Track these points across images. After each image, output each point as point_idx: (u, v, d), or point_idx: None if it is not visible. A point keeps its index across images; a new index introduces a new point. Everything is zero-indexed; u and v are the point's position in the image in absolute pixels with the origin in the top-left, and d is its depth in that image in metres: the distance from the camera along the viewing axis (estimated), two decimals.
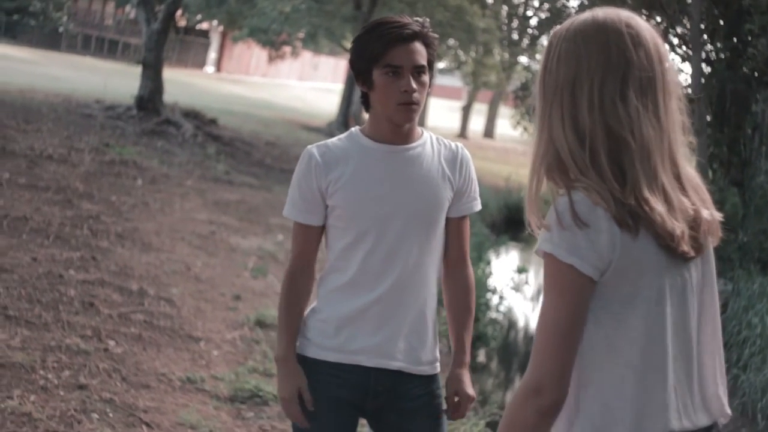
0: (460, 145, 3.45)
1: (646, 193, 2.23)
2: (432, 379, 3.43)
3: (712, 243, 2.42)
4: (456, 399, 3.43)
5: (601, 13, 2.35)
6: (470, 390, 3.44)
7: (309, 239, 3.39)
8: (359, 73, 3.30)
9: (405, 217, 3.28)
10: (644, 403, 2.27)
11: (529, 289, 16.89)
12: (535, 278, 18.00)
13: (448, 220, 3.41)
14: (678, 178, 2.34)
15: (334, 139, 3.41)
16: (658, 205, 2.24)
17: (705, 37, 16.52)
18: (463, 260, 3.48)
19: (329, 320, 3.33)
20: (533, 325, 14.44)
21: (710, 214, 2.38)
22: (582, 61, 2.30)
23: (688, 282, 2.35)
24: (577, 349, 2.25)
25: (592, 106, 2.27)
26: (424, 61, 3.25)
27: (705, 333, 2.42)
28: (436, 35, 3.36)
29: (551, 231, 2.24)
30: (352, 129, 3.43)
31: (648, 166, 2.26)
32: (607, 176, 2.23)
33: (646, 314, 2.27)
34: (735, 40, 16.29)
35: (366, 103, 3.37)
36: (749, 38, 15.71)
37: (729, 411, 2.46)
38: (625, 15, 2.34)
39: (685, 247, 2.29)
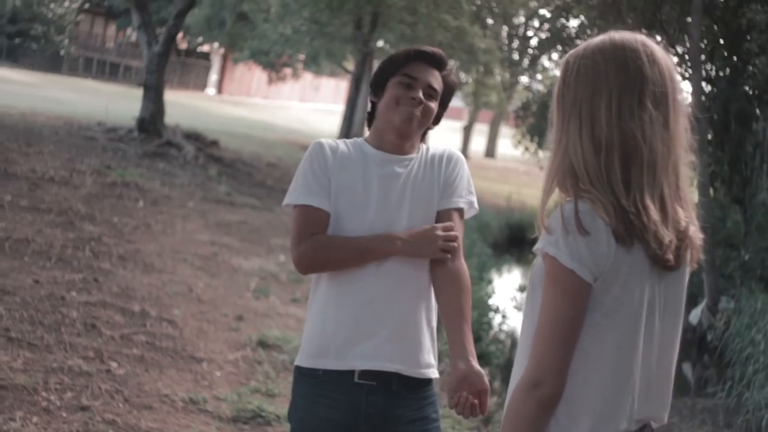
0: (447, 148, 3.52)
1: (647, 201, 2.37)
2: (427, 401, 3.37)
3: (690, 262, 2.55)
4: (466, 396, 3.14)
5: (617, 35, 2.51)
6: (479, 382, 3.16)
7: (321, 225, 3.31)
8: (376, 84, 3.42)
9: (396, 221, 3.31)
10: (603, 408, 2.42)
11: None
12: None
13: (437, 214, 3.40)
14: (677, 189, 2.47)
15: (340, 140, 3.46)
16: (654, 214, 2.37)
17: (704, 56, 16.55)
18: (451, 256, 3.34)
19: (324, 330, 3.31)
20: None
21: (695, 231, 2.52)
22: (600, 75, 2.44)
23: (658, 300, 2.48)
24: (575, 346, 2.39)
25: (610, 114, 2.40)
26: (437, 87, 3.38)
27: (664, 351, 2.54)
28: (457, 81, 3.53)
29: (555, 235, 2.38)
30: (357, 138, 3.48)
31: (653, 174, 2.39)
32: (617, 181, 2.36)
33: (624, 328, 2.42)
34: (735, 58, 16.32)
35: (371, 117, 3.45)
36: (749, 57, 15.74)
37: (666, 420, 2.59)
38: (640, 37, 2.50)
39: (670, 255, 2.42)
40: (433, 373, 3.39)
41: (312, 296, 3.41)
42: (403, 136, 3.37)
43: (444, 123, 3.55)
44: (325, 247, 3.27)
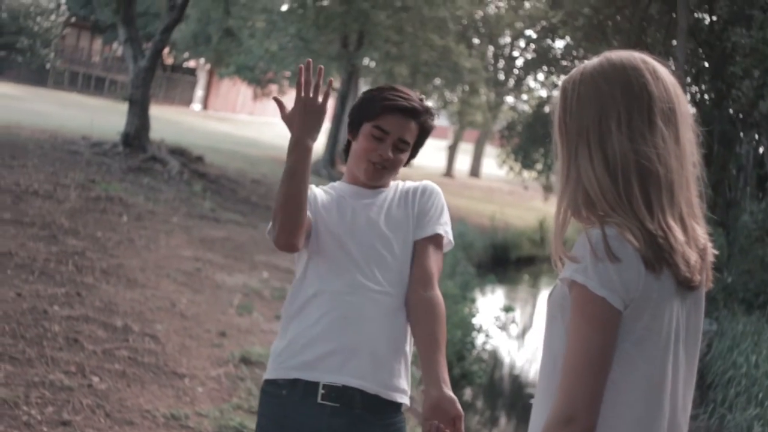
0: (423, 182, 3.54)
1: (671, 221, 2.30)
2: (392, 427, 3.33)
3: (707, 281, 2.46)
4: (437, 424, 3.12)
5: (614, 55, 2.42)
6: (452, 409, 3.13)
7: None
8: (352, 121, 3.45)
9: (367, 247, 3.34)
10: None
11: (515, 328, 16.87)
12: (521, 316, 18.01)
13: (413, 243, 3.42)
14: (691, 205, 2.40)
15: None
16: (680, 235, 2.30)
17: (689, 79, 16.63)
18: (425, 282, 3.35)
19: (295, 344, 3.31)
20: (519, 363, 14.44)
21: (711, 248, 2.45)
22: (606, 98, 2.35)
23: (682, 326, 2.39)
24: (607, 378, 2.27)
25: (621, 138, 2.31)
26: (410, 139, 3.41)
27: (687, 380, 2.45)
28: (434, 125, 3.50)
29: (584, 262, 2.28)
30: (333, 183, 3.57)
31: (670, 194, 2.32)
32: (639, 206, 2.28)
33: (654, 358, 2.32)
34: (719, 82, 16.40)
35: (347, 152, 3.51)
36: (733, 80, 15.83)
37: None
38: (638, 54, 2.42)
39: (697, 276, 2.35)
40: (401, 398, 3.34)
41: (286, 310, 3.42)
42: (368, 187, 3.47)
43: (429, 142, 3.54)
44: (275, 202, 3.22)
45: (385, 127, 3.36)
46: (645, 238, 2.26)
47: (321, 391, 3.24)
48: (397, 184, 3.52)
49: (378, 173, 3.41)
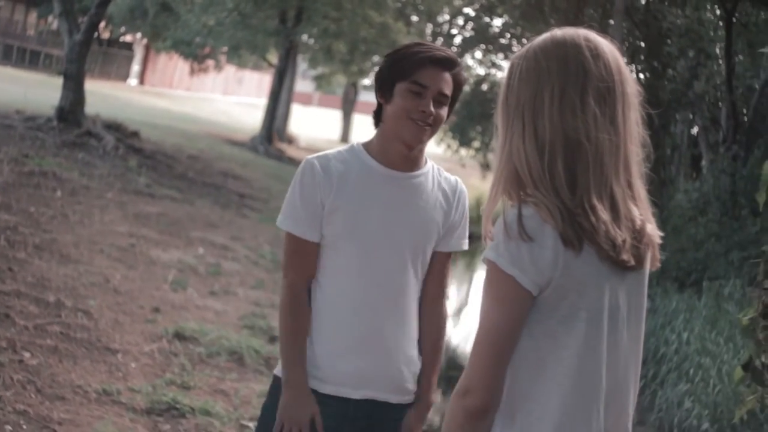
0: (458, 179, 3.47)
1: (594, 200, 2.29)
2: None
3: (652, 261, 2.49)
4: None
5: (559, 32, 2.43)
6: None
7: (311, 256, 3.33)
8: (383, 83, 3.28)
9: (396, 245, 3.27)
10: (564, 421, 2.32)
11: (451, 305, 16.90)
12: (457, 294, 18.07)
13: (434, 254, 3.39)
14: (630, 186, 2.39)
15: (334, 152, 3.36)
16: (603, 214, 2.29)
17: (626, 59, 16.75)
18: (441, 297, 3.44)
19: (313, 351, 3.32)
20: (455, 341, 14.50)
21: (653, 228, 2.45)
22: (542, 74, 2.35)
23: (622, 305, 2.41)
24: (510, 357, 2.30)
25: (552, 114, 2.32)
26: (448, 92, 3.24)
27: (630, 360, 2.47)
28: (466, 77, 3.36)
29: (497, 240, 2.29)
30: (354, 143, 3.39)
31: (599, 173, 2.31)
32: (561, 183, 2.28)
33: (582, 335, 2.33)
34: (655, 62, 16.55)
35: (377, 117, 3.35)
36: (669, 60, 15.97)
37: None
38: (583, 31, 2.42)
39: (625, 255, 2.34)
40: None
41: (316, 317, 3.36)
42: (412, 148, 3.28)
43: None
44: (287, 317, 3.32)
45: (423, 81, 3.19)
46: (563, 215, 2.26)
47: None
48: (431, 170, 3.40)
49: (421, 132, 3.21)
